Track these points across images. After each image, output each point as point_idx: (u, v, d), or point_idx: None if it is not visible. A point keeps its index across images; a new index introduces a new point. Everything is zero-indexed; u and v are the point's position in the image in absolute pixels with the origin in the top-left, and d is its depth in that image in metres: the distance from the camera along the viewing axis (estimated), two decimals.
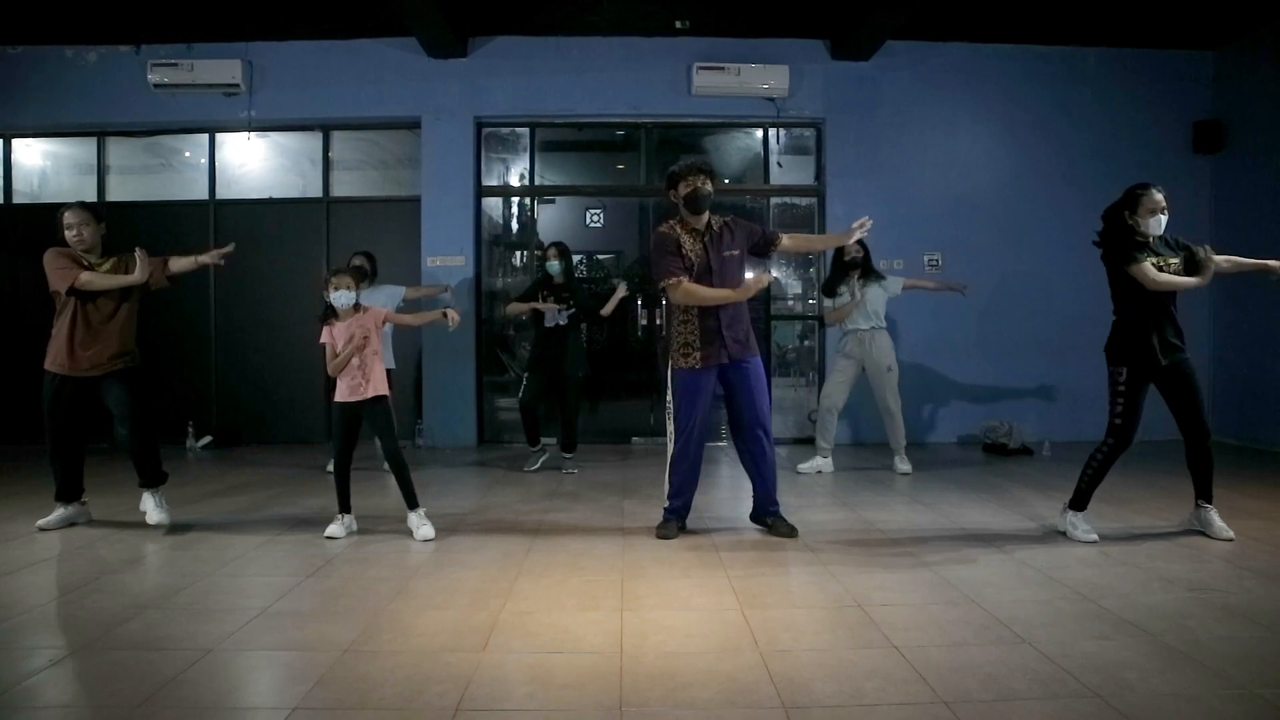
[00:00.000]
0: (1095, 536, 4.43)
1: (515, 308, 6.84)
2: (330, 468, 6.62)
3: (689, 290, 4.47)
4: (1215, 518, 4.50)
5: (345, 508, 4.67)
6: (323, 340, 4.66)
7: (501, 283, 8.73)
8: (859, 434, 8.21)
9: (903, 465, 6.66)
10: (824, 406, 6.80)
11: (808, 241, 4.59)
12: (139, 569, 4.02)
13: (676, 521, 4.71)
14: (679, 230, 4.63)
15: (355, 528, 4.70)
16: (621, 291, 6.72)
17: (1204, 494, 4.55)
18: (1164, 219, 4.33)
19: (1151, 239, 4.36)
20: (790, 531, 4.63)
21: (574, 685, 2.63)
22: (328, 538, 4.53)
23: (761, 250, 4.75)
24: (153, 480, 4.90)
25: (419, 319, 5.24)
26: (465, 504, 5.49)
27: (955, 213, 8.30)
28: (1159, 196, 4.30)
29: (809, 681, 2.65)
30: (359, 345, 4.54)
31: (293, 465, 7.06)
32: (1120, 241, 4.34)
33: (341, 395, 4.62)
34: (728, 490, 6.04)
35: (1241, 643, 2.98)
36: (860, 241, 6.37)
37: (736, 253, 4.61)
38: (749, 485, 4.83)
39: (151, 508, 4.85)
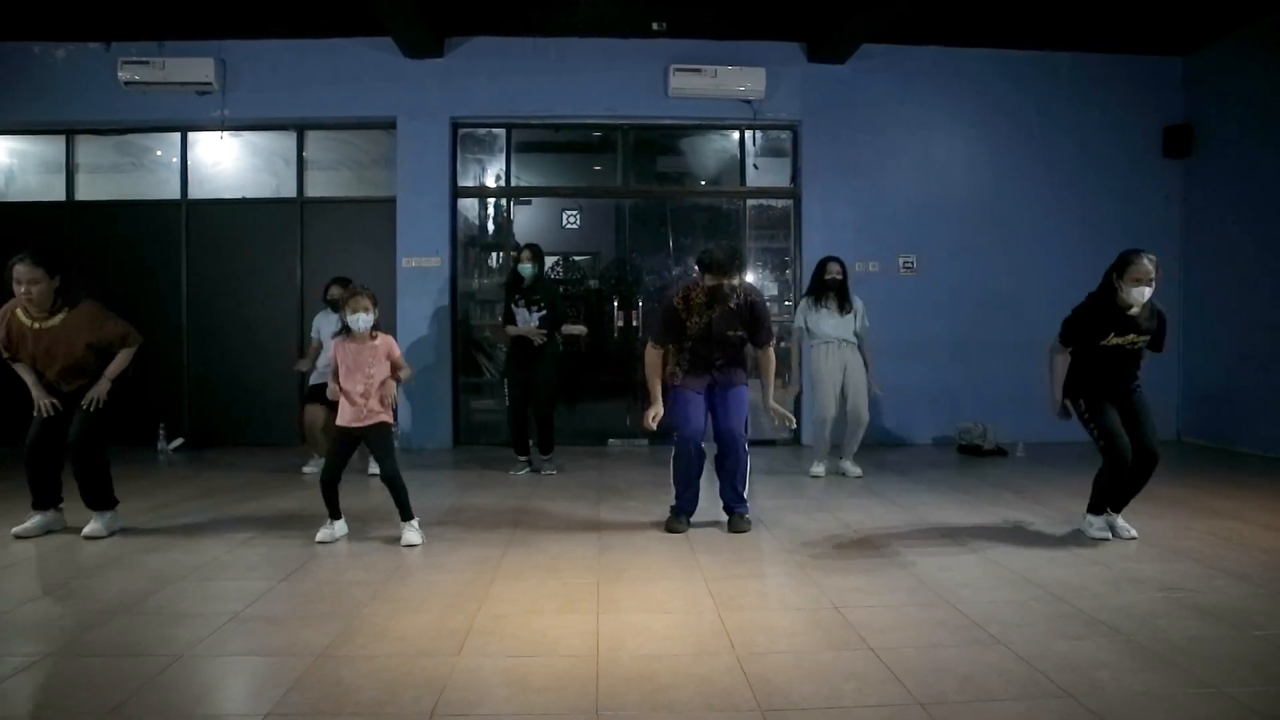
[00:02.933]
0: (1107, 535, 4.54)
1: (505, 332, 6.73)
2: (307, 468, 6.61)
3: (648, 356, 4.88)
4: (1120, 520, 4.61)
5: (335, 515, 4.61)
6: (334, 356, 4.60)
7: (477, 284, 8.69)
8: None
9: (855, 469, 6.65)
10: (825, 419, 6.64)
11: (766, 372, 5.00)
12: (107, 573, 3.95)
13: (685, 517, 4.94)
14: (691, 296, 4.76)
15: (346, 531, 4.64)
16: (576, 330, 6.83)
17: (1118, 505, 4.63)
18: (1148, 290, 4.30)
19: (1130, 310, 4.36)
20: (744, 527, 4.84)
21: (551, 689, 2.62)
22: (319, 542, 4.46)
23: (756, 334, 4.90)
24: (99, 505, 4.68)
25: (405, 377, 4.74)
26: (441, 506, 5.45)
27: (930, 214, 8.36)
28: (1147, 266, 4.27)
29: (786, 684, 2.66)
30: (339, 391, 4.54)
31: (265, 467, 6.98)
32: (1075, 321, 4.50)
33: (343, 419, 4.53)
34: (702, 496, 6.04)
35: (1212, 642, 3.02)
36: (840, 263, 6.60)
37: (742, 333, 4.82)
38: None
39: (91, 522, 4.66)
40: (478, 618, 3.28)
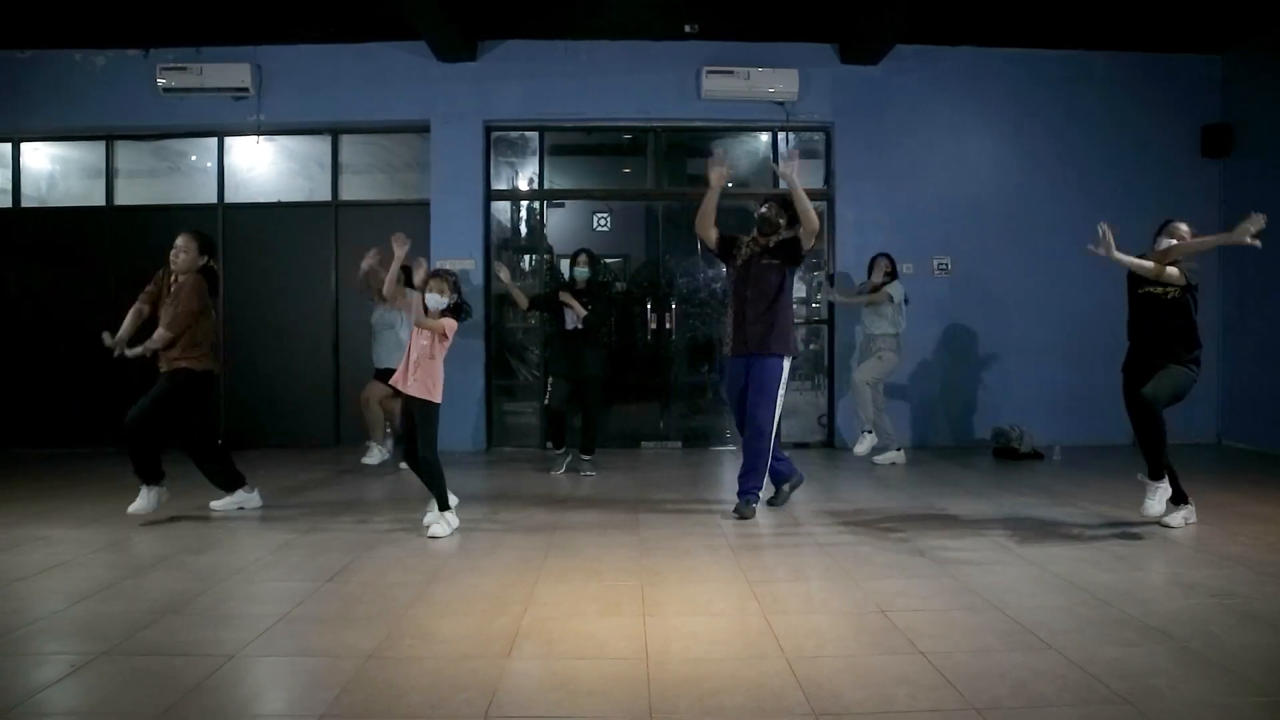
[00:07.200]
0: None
1: (563, 299, 6.68)
2: (367, 458, 6.95)
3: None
4: (1148, 499, 4.75)
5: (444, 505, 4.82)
6: (415, 323, 4.86)
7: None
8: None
9: (860, 448, 7.19)
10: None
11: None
12: (154, 573, 4.00)
13: (753, 500, 5.24)
14: (742, 239, 5.42)
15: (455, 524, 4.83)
16: (573, 304, 6.61)
17: (1150, 472, 4.79)
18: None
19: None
20: (741, 511, 5.17)
21: (601, 692, 2.62)
22: (432, 535, 4.64)
23: (790, 253, 5.30)
24: (143, 474, 5.05)
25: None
26: (479, 508, 5.46)
27: (964, 216, 8.30)
28: (1180, 226, 4.80)
29: (838, 688, 2.64)
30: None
31: (302, 469, 7.04)
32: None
33: (396, 378, 4.80)
34: (734, 492, 6.03)
35: (1268, 649, 2.98)
36: (889, 256, 7.35)
37: (776, 262, 5.28)
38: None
39: (138, 499, 5.06)
40: (523, 620, 3.29)
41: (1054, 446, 7.60)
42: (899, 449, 7.26)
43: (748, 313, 5.24)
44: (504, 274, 6.88)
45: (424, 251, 8.11)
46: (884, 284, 7.25)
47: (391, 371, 6.26)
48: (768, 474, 5.30)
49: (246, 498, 5.39)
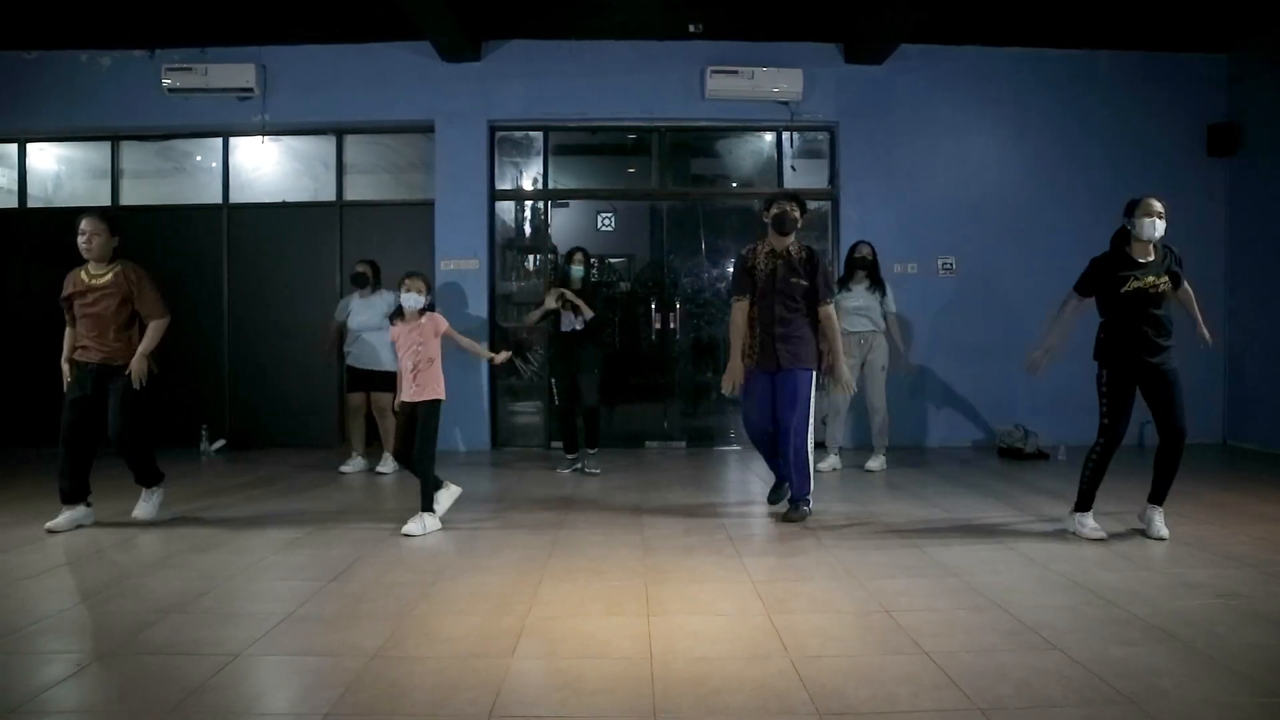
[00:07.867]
0: (1103, 534, 4.57)
1: (533, 316, 6.89)
2: (345, 468, 6.87)
3: (734, 314, 5.17)
4: (1157, 519, 4.61)
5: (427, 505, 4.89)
6: (392, 338, 5.00)
7: (515, 286, 8.72)
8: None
9: (873, 464, 6.92)
10: (838, 410, 6.99)
11: (831, 331, 5.14)
12: (159, 572, 4.01)
13: (777, 489, 5.33)
14: (758, 250, 5.17)
15: (439, 526, 4.90)
16: (550, 304, 6.63)
17: (1156, 496, 4.64)
18: (1160, 223, 4.48)
19: (1140, 250, 4.55)
20: (794, 517, 5.04)
21: (606, 691, 2.62)
22: (405, 534, 4.69)
23: (819, 279, 5.13)
24: (144, 480, 5.07)
25: (471, 347, 5.26)
26: (482, 508, 5.47)
27: (968, 216, 8.29)
28: (1155, 203, 4.50)
29: (842, 687, 2.64)
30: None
31: (306, 469, 7.06)
32: (1090, 269, 4.69)
33: (403, 396, 4.89)
34: (737, 492, 6.05)
35: (1272, 649, 2.97)
36: (870, 245, 6.91)
37: (805, 283, 5.07)
38: (759, 489, 5.37)
39: (139, 503, 5.08)
40: (527, 619, 3.29)
41: (1059, 447, 7.58)
42: (838, 452, 7.10)
43: (777, 330, 5.02)
44: (534, 316, 6.86)
45: (428, 252, 8.16)
46: (866, 277, 6.97)
47: (368, 373, 6.80)
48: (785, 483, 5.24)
49: (162, 495, 5.17)
